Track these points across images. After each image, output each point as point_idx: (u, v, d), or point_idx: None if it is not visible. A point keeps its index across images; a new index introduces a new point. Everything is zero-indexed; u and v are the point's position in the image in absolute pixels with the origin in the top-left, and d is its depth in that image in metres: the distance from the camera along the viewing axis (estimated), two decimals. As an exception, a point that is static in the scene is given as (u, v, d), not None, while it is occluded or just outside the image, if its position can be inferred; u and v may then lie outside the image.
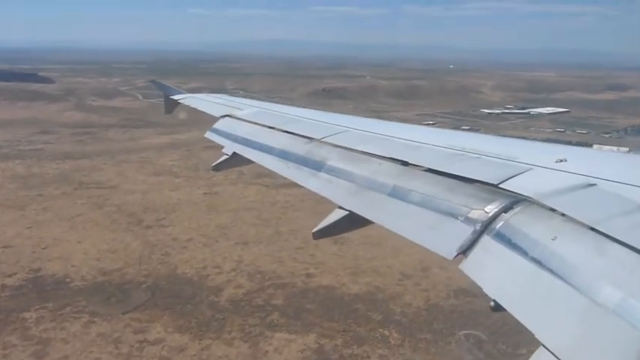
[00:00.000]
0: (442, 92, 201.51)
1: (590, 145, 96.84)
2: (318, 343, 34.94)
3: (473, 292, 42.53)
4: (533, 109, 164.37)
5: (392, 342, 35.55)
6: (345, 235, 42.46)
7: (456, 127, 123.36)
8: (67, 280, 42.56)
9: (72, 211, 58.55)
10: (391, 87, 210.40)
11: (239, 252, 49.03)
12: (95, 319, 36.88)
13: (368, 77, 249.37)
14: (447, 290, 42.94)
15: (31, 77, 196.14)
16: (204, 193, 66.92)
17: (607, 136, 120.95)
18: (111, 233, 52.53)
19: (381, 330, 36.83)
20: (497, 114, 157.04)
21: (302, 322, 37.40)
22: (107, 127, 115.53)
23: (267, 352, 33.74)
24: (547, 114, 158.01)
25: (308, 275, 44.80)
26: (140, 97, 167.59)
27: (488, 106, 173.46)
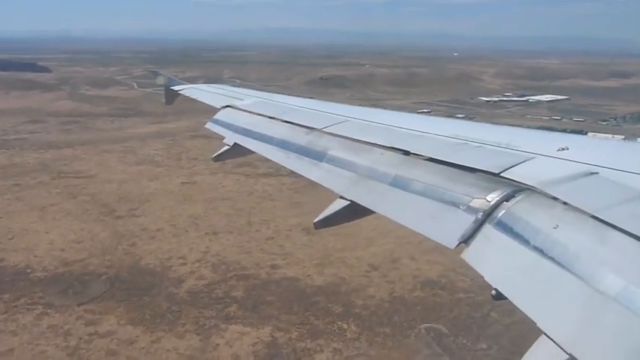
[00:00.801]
0: (441, 80, 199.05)
1: (585, 133, 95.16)
2: (272, 337, 34.13)
3: (441, 283, 41.67)
4: (532, 97, 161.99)
5: (348, 335, 34.66)
6: None
7: (451, 115, 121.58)
8: (28, 270, 41.97)
9: (45, 200, 57.97)
10: (390, 75, 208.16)
11: (207, 242, 48.23)
12: (49, 311, 36.28)
13: (367, 65, 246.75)
14: (414, 282, 41.99)
15: (29, 66, 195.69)
16: (182, 183, 66.14)
17: (604, 123, 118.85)
18: (80, 223, 51.88)
19: (339, 323, 35.95)
20: (495, 102, 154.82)
21: (259, 315, 36.59)
22: (97, 116, 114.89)
23: (217, 345, 32.98)
24: (546, 101, 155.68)
25: (273, 266, 43.94)
26: (135, 86, 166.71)
27: (486, 94, 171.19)
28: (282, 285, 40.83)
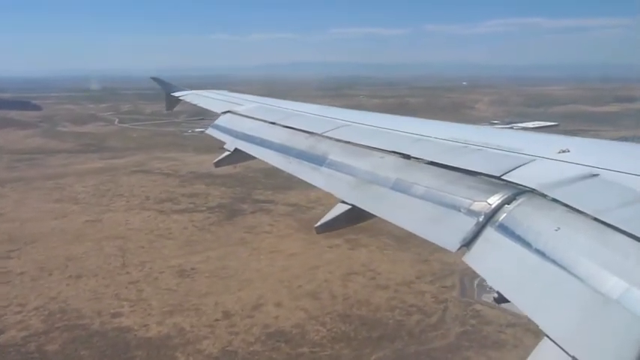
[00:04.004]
0: (432, 109, 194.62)
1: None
2: (52, 402, 29.77)
3: (290, 335, 36.99)
4: (518, 124, 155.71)
5: (142, 400, 30.07)
6: (199, 266, 36.37)
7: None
8: None
9: None
10: (380, 105, 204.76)
11: (63, 287, 44.45)
12: None
13: (362, 96, 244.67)
14: (260, 333, 37.19)
15: (21, 105, 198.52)
16: (86, 221, 62.81)
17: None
18: (-55, 267, 48.76)
19: (141, 384, 31.41)
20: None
21: (59, 374, 32.35)
22: (56, 152, 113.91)
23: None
24: (532, 128, 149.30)
25: (114, 315, 39.74)
26: (117, 122, 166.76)
27: (473, 122, 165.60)
28: (108, 337, 36.53)
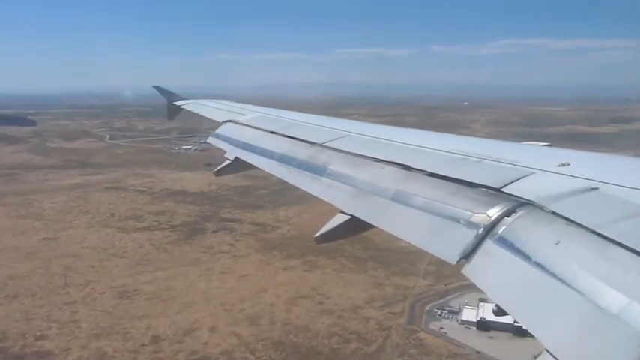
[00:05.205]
0: (425, 127, 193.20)
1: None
2: None
3: (215, 362, 35.06)
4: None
5: None
6: (143, 287, 34.63)
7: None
8: None
9: None
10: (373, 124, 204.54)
11: (-5, 308, 43.03)
12: None
13: (356, 115, 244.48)
14: (184, 360, 35.46)
15: (16, 120, 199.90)
16: (43, 238, 61.66)
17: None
18: None
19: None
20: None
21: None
22: (38, 168, 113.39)
23: None
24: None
25: (39, 337, 38.26)
26: (107, 138, 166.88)
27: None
28: (23, 362, 34.97)
